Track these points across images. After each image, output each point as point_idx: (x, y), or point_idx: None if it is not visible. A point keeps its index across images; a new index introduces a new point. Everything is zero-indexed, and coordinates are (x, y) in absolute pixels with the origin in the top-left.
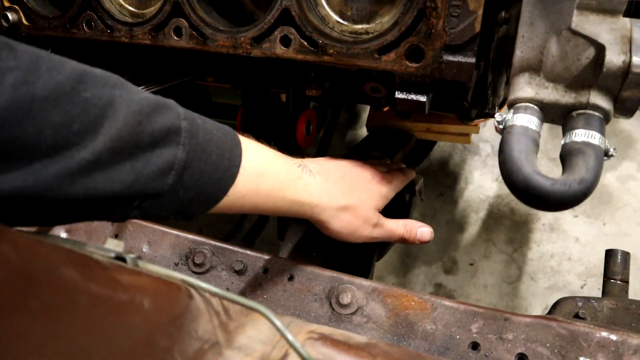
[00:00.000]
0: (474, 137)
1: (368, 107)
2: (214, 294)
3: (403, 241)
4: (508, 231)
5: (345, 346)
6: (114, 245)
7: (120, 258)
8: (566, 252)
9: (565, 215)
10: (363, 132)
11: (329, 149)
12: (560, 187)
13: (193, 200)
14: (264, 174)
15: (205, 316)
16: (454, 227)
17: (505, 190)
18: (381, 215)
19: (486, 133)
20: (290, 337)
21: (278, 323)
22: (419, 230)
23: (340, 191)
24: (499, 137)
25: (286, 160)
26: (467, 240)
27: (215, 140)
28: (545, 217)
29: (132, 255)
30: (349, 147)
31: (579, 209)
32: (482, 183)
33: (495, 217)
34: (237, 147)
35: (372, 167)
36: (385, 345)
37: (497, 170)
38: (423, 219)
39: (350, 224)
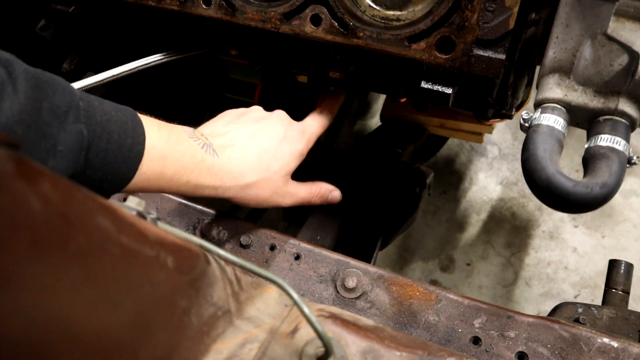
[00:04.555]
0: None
1: (379, 98)
2: (231, 262)
3: (312, 204)
4: (507, 235)
5: (355, 327)
6: (135, 204)
7: (140, 216)
8: (563, 261)
9: (566, 225)
10: (372, 122)
11: (338, 137)
12: (582, 190)
13: (103, 181)
14: (168, 157)
15: (220, 283)
16: (454, 226)
17: (508, 194)
18: (292, 183)
19: (494, 136)
20: (306, 310)
21: (295, 295)
22: (330, 195)
23: (247, 164)
24: (507, 140)
25: (189, 142)
26: (466, 240)
27: (115, 121)
28: (545, 225)
29: (152, 215)
30: (357, 137)
31: (579, 219)
32: (486, 185)
33: (496, 220)
34: (139, 126)
35: (285, 121)
36: (393, 331)
37: (502, 174)
38: (424, 214)
39: (258, 196)
